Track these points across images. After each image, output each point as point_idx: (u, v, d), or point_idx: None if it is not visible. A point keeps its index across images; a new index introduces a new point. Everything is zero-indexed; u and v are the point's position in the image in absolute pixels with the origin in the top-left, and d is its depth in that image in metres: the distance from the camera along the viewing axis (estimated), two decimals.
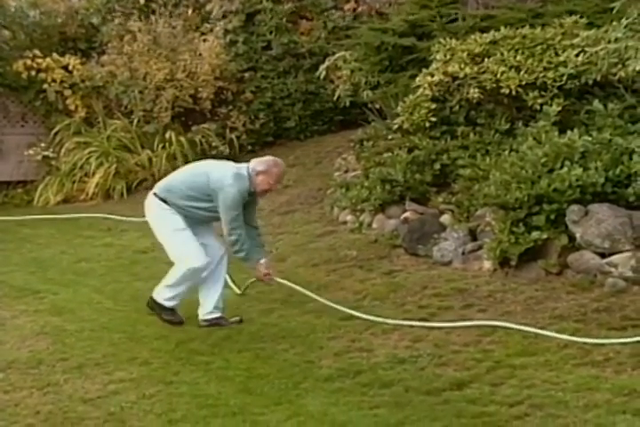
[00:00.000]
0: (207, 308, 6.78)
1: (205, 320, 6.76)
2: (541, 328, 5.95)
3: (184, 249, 6.67)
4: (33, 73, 13.20)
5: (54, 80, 13.24)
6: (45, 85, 13.23)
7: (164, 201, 6.74)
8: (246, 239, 6.64)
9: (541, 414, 4.73)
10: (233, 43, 13.41)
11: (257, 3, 13.42)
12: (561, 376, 5.19)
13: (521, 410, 4.80)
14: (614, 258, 6.47)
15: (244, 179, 6.67)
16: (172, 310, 6.84)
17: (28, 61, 13.18)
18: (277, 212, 10.03)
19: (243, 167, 6.77)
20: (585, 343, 5.59)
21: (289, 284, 7.02)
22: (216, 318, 6.76)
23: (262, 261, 6.82)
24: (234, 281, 7.49)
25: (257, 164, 6.78)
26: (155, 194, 6.83)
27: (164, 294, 6.82)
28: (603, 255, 6.55)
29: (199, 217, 6.76)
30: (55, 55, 13.36)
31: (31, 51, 13.32)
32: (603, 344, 5.55)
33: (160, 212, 6.78)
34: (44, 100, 13.54)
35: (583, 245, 6.65)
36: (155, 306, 6.88)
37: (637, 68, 7.20)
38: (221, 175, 6.67)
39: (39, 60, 13.21)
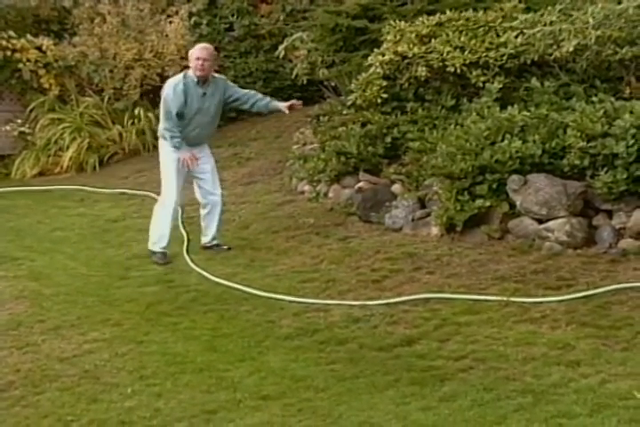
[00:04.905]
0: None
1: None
2: (484, 289, 6.00)
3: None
4: (8, 53, 12.92)
5: (29, 60, 12.95)
6: (20, 65, 12.95)
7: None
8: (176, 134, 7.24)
9: (484, 367, 4.78)
10: (197, 25, 13.23)
11: None
12: (502, 332, 5.24)
13: (465, 364, 4.85)
14: (551, 224, 6.53)
15: (176, 78, 7.30)
16: (162, 253, 7.34)
17: (4, 42, 12.87)
18: (240, 182, 9.98)
19: None
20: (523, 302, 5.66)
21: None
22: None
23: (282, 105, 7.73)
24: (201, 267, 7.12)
25: None
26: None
27: (151, 240, 7.41)
28: (540, 221, 6.60)
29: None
30: (29, 36, 13.09)
31: (6, 32, 13.00)
32: (540, 302, 5.62)
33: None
34: (19, 79, 13.25)
35: (522, 212, 6.69)
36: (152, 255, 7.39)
37: (570, 49, 7.26)
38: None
39: (14, 41, 12.91)
